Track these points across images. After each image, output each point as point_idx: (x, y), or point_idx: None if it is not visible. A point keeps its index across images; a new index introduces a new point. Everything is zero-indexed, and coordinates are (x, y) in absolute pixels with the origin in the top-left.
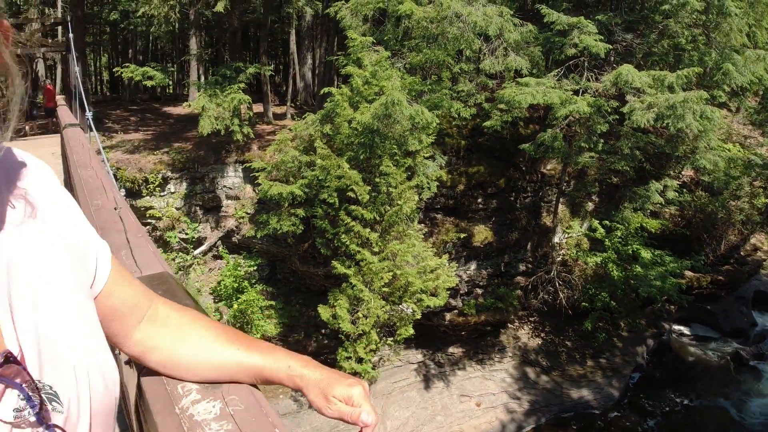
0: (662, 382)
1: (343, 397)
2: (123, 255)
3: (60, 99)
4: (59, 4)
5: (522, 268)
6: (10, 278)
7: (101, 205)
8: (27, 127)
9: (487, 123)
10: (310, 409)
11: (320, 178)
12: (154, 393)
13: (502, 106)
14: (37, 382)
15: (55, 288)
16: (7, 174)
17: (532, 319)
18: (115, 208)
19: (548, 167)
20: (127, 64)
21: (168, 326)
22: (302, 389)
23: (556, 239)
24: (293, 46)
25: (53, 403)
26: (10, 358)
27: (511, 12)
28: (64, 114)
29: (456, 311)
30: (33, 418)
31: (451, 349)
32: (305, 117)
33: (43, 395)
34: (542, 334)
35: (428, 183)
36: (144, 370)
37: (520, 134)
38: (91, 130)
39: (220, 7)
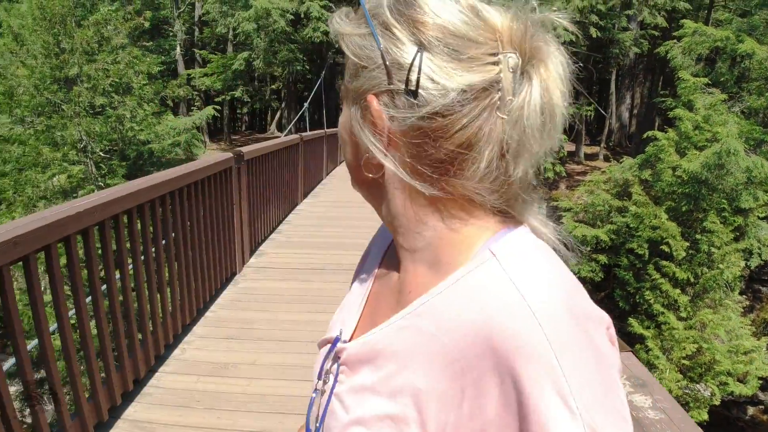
0: None
1: None
2: None
3: None
4: None
5: None
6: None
7: None
8: None
9: None
10: None
11: (631, 225)
12: None
13: None
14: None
15: None
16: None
17: None
18: None
19: None
20: None
21: None
22: None
23: None
24: (612, 86)
25: None
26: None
27: None
28: None
29: (762, 407)
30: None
31: None
32: (622, 160)
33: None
34: None
35: (760, 248)
36: None
37: None
38: None
39: None
